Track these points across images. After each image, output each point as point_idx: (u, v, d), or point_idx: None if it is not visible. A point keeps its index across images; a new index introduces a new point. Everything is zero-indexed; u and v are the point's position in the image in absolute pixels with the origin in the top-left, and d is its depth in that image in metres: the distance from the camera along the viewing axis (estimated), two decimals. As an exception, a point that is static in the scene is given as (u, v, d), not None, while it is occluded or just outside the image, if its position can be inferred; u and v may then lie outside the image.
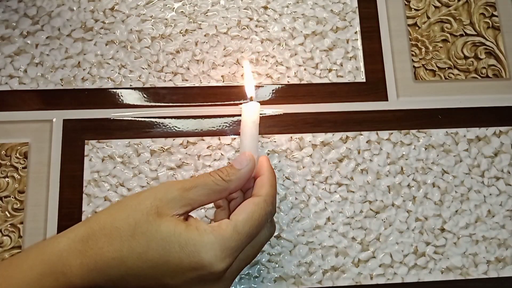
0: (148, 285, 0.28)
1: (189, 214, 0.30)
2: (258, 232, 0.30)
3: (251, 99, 0.35)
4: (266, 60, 0.45)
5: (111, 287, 0.28)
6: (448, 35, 0.47)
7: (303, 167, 0.43)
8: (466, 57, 0.46)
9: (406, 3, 0.47)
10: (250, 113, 0.33)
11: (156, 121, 0.43)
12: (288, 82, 0.44)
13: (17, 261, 0.28)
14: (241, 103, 0.44)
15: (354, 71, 0.45)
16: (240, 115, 0.43)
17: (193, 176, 0.30)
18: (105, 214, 0.28)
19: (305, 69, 0.45)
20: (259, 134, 0.35)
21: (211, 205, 0.40)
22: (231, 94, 0.44)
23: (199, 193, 0.29)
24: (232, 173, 0.30)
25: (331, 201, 0.42)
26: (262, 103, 0.44)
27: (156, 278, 0.27)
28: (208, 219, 0.41)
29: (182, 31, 0.45)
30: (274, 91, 0.44)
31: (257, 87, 0.44)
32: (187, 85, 0.44)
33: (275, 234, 0.41)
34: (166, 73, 0.44)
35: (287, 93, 0.44)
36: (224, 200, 0.34)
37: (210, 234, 0.27)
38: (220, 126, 0.43)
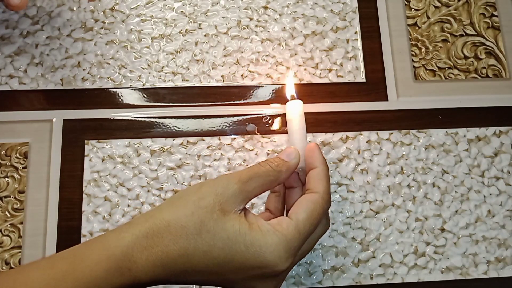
0: (210, 279, 0.29)
1: (246, 208, 0.30)
2: (315, 229, 0.30)
3: (292, 98, 0.35)
4: (266, 60, 0.45)
5: (174, 280, 0.28)
6: (448, 35, 0.47)
7: (303, 167, 0.43)
8: (466, 57, 0.46)
9: (406, 3, 0.47)
10: (296, 110, 0.34)
11: (156, 121, 0.43)
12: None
13: (81, 255, 0.28)
14: (241, 103, 0.44)
15: (354, 71, 0.45)
16: (238, 115, 0.43)
17: (245, 168, 0.31)
18: (169, 211, 0.28)
19: (305, 69, 0.45)
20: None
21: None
22: (231, 94, 0.44)
23: (254, 185, 0.29)
24: (282, 164, 0.31)
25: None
26: (262, 103, 0.44)
27: (219, 273, 0.28)
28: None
29: (182, 31, 0.45)
30: (274, 91, 0.44)
31: (257, 87, 0.44)
32: (187, 85, 0.44)
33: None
34: (166, 73, 0.44)
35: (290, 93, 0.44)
36: (282, 187, 0.34)
37: (273, 235, 0.28)
38: (220, 126, 0.43)
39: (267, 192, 0.34)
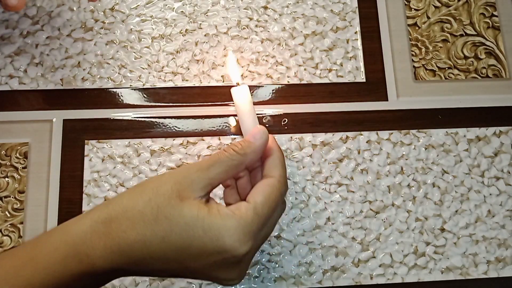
0: (170, 268, 0.28)
1: (210, 196, 0.30)
2: (274, 212, 0.30)
3: (238, 84, 0.35)
4: (266, 60, 0.45)
5: (133, 269, 0.28)
6: (448, 35, 0.47)
7: (303, 167, 0.43)
8: (466, 57, 0.46)
9: (406, 3, 0.47)
10: (243, 95, 0.33)
11: (156, 121, 0.43)
12: (288, 82, 0.44)
13: (41, 242, 0.28)
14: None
15: (354, 71, 0.45)
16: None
17: (208, 156, 0.30)
18: (127, 197, 0.28)
19: (305, 69, 0.45)
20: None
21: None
22: (231, 94, 0.44)
23: (217, 171, 0.29)
24: (247, 146, 0.30)
25: (331, 201, 0.42)
26: (262, 103, 0.44)
27: (179, 261, 0.28)
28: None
29: (182, 31, 0.45)
30: (274, 91, 0.44)
31: (257, 87, 0.44)
32: (187, 85, 0.44)
33: (275, 234, 0.41)
34: (166, 73, 0.44)
35: (287, 93, 0.44)
36: (232, 179, 0.34)
37: (232, 219, 0.28)
38: (220, 126, 0.43)
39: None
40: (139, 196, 0.28)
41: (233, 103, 0.44)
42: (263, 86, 0.44)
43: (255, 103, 0.44)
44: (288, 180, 0.42)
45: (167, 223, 0.27)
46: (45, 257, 0.27)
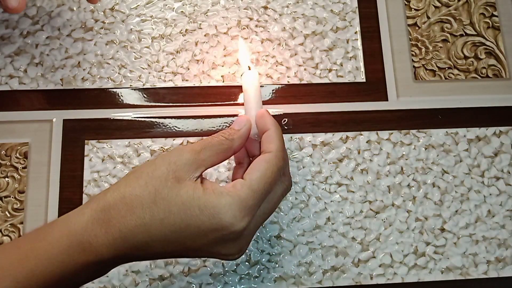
0: (172, 249, 0.29)
1: (204, 177, 0.31)
2: (273, 187, 0.31)
3: (248, 68, 0.35)
4: (266, 60, 0.45)
5: (136, 254, 0.29)
6: (448, 35, 0.47)
7: (303, 167, 0.43)
8: (466, 57, 0.46)
9: (406, 3, 0.47)
10: (251, 80, 0.34)
11: (156, 121, 0.43)
12: (288, 82, 0.44)
13: (43, 234, 0.28)
14: (241, 103, 0.44)
15: (354, 71, 0.45)
16: (238, 115, 0.43)
17: (199, 140, 0.31)
18: (123, 184, 0.29)
19: (305, 69, 0.45)
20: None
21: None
22: (231, 94, 0.44)
23: (208, 154, 0.30)
24: (234, 133, 0.32)
25: (331, 201, 0.42)
26: (262, 103, 0.44)
27: (179, 242, 0.28)
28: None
29: (182, 31, 0.45)
30: (274, 91, 0.44)
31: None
32: (187, 85, 0.44)
33: (275, 234, 0.41)
34: (166, 73, 0.44)
35: (287, 93, 0.44)
36: (246, 157, 0.35)
37: (227, 196, 0.28)
38: (220, 126, 0.43)
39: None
40: (135, 181, 0.29)
41: (234, 102, 0.44)
42: (263, 86, 0.44)
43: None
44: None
45: (165, 204, 0.28)
46: (47, 247, 0.27)
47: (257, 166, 0.30)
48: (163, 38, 0.45)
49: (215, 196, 0.28)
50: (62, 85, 0.44)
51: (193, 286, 0.40)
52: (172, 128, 0.43)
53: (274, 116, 0.44)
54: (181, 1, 0.46)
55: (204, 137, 0.42)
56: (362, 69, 0.45)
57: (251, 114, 0.34)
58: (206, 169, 0.30)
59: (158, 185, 0.28)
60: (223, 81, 0.44)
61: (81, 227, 0.28)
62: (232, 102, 0.44)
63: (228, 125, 0.43)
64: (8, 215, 0.41)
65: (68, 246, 0.27)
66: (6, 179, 0.41)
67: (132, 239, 0.28)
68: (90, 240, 0.27)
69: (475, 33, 0.47)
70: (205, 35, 0.45)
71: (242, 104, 0.44)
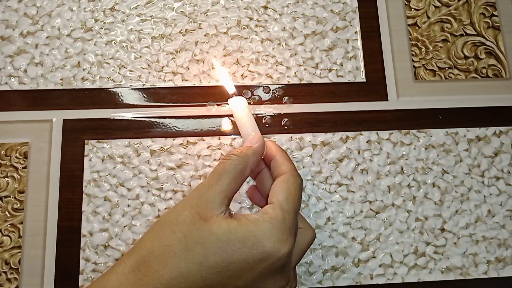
0: None
1: (231, 210, 0.29)
2: (300, 204, 0.30)
3: (234, 95, 0.35)
4: (266, 60, 0.45)
5: None
6: (448, 35, 0.47)
7: (303, 167, 0.43)
8: (466, 57, 0.46)
9: (406, 3, 0.47)
10: (240, 106, 0.34)
11: (156, 121, 0.43)
12: (288, 82, 0.44)
13: None
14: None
15: (354, 71, 0.45)
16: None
17: (210, 172, 0.29)
18: (149, 237, 0.27)
19: (305, 69, 0.45)
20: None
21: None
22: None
23: (226, 182, 0.28)
24: (247, 149, 0.30)
25: (331, 201, 0.42)
26: (263, 103, 0.44)
27: (223, 283, 0.26)
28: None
29: (182, 31, 0.45)
30: (274, 91, 0.44)
31: (257, 87, 0.44)
32: (187, 85, 0.44)
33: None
34: (166, 73, 0.44)
35: (287, 93, 0.44)
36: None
37: (264, 222, 0.27)
38: (220, 126, 0.43)
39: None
40: (161, 232, 0.27)
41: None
42: (263, 86, 0.44)
43: (255, 103, 0.44)
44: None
45: (200, 247, 0.26)
46: None
47: (278, 187, 0.29)
48: (163, 38, 0.45)
49: (253, 224, 0.26)
50: (62, 85, 0.43)
51: None
52: (172, 128, 0.43)
53: (274, 116, 0.44)
54: (181, 1, 0.46)
55: (203, 137, 0.43)
56: (362, 69, 0.45)
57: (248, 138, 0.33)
58: (229, 201, 0.29)
59: (185, 229, 0.26)
60: (223, 81, 0.44)
61: None
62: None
63: (219, 127, 0.43)
64: (8, 215, 0.41)
65: None
66: (6, 179, 0.41)
67: None
68: None
69: (475, 33, 0.47)
70: (205, 35, 0.45)
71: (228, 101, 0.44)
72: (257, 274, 0.26)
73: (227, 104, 0.44)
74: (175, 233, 0.26)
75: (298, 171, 0.32)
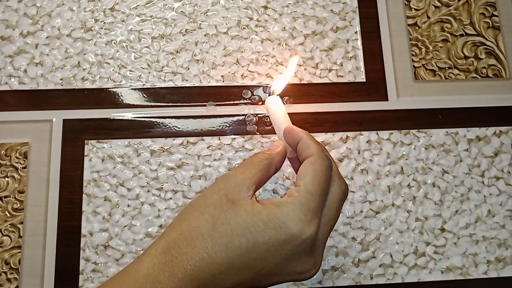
0: (243, 278, 0.27)
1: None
2: (328, 187, 0.29)
3: (273, 93, 0.35)
4: (266, 60, 0.45)
5: None
6: (448, 35, 0.47)
7: (303, 167, 0.43)
8: (466, 57, 0.46)
9: (406, 3, 0.47)
10: (278, 104, 0.34)
11: (156, 121, 0.43)
12: (288, 82, 0.44)
13: None
14: (241, 103, 0.44)
15: (354, 71, 0.45)
16: (238, 115, 0.43)
17: (238, 165, 0.31)
18: (178, 221, 0.28)
19: (305, 69, 0.45)
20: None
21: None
22: (231, 94, 0.44)
23: (253, 172, 0.29)
24: (271, 151, 0.31)
25: (331, 201, 0.42)
26: (263, 103, 0.44)
27: (249, 266, 0.27)
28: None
29: (182, 31, 0.45)
30: (274, 91, 0.44)
31: (257, 87, 0.44)
32: (187, 85, 0.44)
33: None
34: (166, 73, 0.44)
35: (287, 93, 0.44)
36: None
37: (288, 204, 0.27)
38: (220, 126, 0.43)
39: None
40: (190, 215, 0.28)
41: (234, 102, 0.44)
42: (263, 86, 0.44)
43: (255, 103, 0.44)
44: (288, 180, 0.42)
45: (226, 227, 0.26)
46: None
47: (305, 170, 0.29)
48: (163, 38, 0.45)
49: (276, 207, 0.27)
50: (62, 85, 0.44)
51: None
52: (172, 128, 0.43)
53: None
54: (181, 1, 0.46)
55: (203, 137, 0.43)
56: (362, 69, 0.45)
57: (281, 136, 0.34)
58: (256, 189, 0.29)
59: (213, 211, 0.27)
60: (223, 81, 0.44)
61: (142, 275, 0.26)
62: (232, 102, 0.44)
63: (228, 125, 0.43)
64: (8, 215, 0.41)
65: None
66: (6, 179, 0.41)
67: (199, 275, 0.26)
68: (155, 287, 0.26)
69: (475, 33, 0.47)
70: (205, 35, 0.45)
71: (242, 105, 0.44)
72: (283, 256, 0.27)
73: (227, 104, 0.44)
74: (203, 214, 0.27)
75: (327, 152, 0.31)
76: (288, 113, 0.44)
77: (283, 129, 0.33)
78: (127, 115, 0.43)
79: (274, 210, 0.27)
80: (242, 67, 0.44)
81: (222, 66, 0.44)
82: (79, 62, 0.44)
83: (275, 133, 0.43)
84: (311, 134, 0.32)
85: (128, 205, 0.41)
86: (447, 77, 0.45)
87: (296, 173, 0.35)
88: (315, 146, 0.31)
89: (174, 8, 0.46)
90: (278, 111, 0.34)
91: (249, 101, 0.44)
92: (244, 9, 0.46)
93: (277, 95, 0.35)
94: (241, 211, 0.27)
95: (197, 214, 0.27)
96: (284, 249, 0.27)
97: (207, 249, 0.26)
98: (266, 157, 0.30)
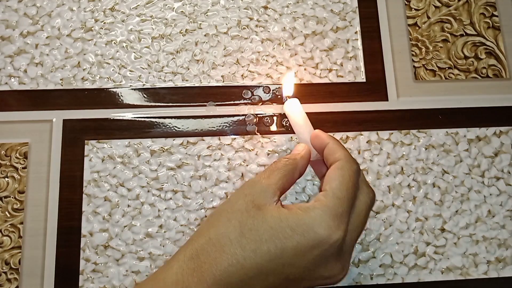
0: (271, 284, 0.27)
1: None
2: (355, 193, 0.29)
3: (288, 98, 0.36)
4: (266, 60, 0.45)
5: None
6: (448, 35, 0.47)
7: (303, 167, 0.43)
8: (466, 57, 0.46)
9: (406, 3, 0.47)
10: (297, 107, 0.35)
11: (156, 121, 0.43)
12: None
13: None
14: (241, 103, 0.44)
15: (354, 71, 0.45)
16: (238, 115, 0.43)
17: (263, 170, 0.31)
18: (205, 227, 0.28)
19: (305, 69, 0.45)
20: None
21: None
22: (231, 94, 0.44)
23: (278, 177, 0.29)
24: (295, 155, 0.31)
25: (331, 201, 0.42)
26: (263, 103, 0.44)
27: (277, 271, 0.27)
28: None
29: (182, 31, 0.45)
30: (274, 91, 0.44)
31: (257, 87, 0.44)
32: (187, 85, 0.44)
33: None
34: (166, 73, 0.44)
35: (287, 93, 0.44)
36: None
37: (315, 209, 0.27)
38: (220, 126, 0.43)
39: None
40: (217, 222, 0.28)
41: (234, 102, 0.44)
42: (263, 86, 0.44)
43: (255, 103, 0.44)
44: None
45: (254, 233, 0.27)
46: None
47: (332, 175, 0.29)
48: (163, 38, 0.45)
49: (303, 212, 0.27)
50: (62, 85, 0.44)
51: None
52: (172, 128, 0.43)
53: (274, 116, 0.44)
54: (181, 1, 0.46)
55: (203, 137, 0.43)
56: (362, 69, 0.45)
57: (305, 139, 0.34)
58: (281, 194, 0.29)
59: (240, 217, 0.27)
60: (223, 81, 0.44)
61: (171, 281, 0.26)
62: (232, 102, 0.44)
63: (228, 125, 0.43)
64: (8, 215, 0.41)
65: None
66: (6, 179, 0.41)
67: (228, 280, 0.26)
68: None
69: (475, 33, 0.47)
70: (205, 35, 0.45)
71: (242, 105, 0.44)
72: (310, 261, 0.27)
73: (227, 104, 0.44)
74: (230, 220, 0.27)
75: (353, 158, 0.31)
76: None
77: (309, 134, 0.33)
78: (127, 115, 0.43)
79: (301, 215, 0.27)
80: (242, 67, 0.44)
81: (222, 66, 0.44)
82: (79, 62, 0.44)
83: (275, 133, 0.43)
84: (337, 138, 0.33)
85: (128, 205, 0.41)
86: (447, 77, 0.45)
87: (318, 176, 0.35)
88: (342, 151, 0.31)
89: (174, 8, 0.46)
90: (299, 114, 0.34)
91: (249, 101, 0.44)
92: (244, 9, 0.46)
93: (293, 97, 0.35)
94: (268, 216, 0.27)
95: (224, 220, 0.28)
96: (312, 254, 0.27)
97: (236, 254, 0.26)
98: (290, 162, 0.30)
